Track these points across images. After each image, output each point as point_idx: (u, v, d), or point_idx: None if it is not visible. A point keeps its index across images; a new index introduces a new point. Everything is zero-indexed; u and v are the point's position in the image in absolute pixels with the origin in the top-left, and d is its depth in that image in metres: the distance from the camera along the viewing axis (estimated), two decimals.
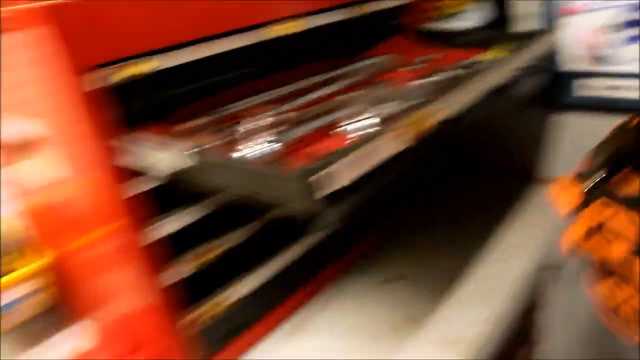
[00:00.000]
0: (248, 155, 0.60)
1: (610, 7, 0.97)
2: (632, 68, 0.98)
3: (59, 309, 0.91)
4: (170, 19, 0.66)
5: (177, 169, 0.59)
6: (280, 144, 0.61)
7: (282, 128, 0.67)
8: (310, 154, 0.57)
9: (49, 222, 0.82)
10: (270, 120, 0.68)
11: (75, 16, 0.57)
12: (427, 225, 1.09)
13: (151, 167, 0.62)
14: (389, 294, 0.90)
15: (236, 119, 0.77)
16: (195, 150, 0.58)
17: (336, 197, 0.50)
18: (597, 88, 1.04)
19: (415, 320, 0.83)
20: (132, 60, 0.62)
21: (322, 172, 0.48)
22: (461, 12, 1.17)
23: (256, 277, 0.81)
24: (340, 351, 0.79)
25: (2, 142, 0.78)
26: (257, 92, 0.84)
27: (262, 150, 0.60)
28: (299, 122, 0.69)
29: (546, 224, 1.06)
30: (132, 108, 0.66)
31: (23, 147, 0.77)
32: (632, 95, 1.00)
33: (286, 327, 0.86)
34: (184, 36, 0.67)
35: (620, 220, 0.53)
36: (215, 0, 0.70)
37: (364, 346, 0.79)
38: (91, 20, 0.58)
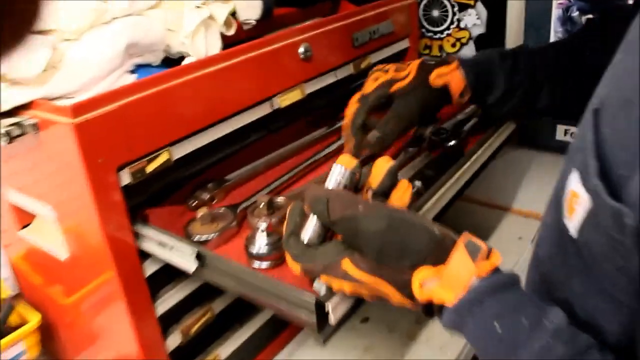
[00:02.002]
0: (253, 251, 0.65)
1: None
2: None
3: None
4: (180, 117, 0.70)
5: (185, 267, 0.65)
6: (279, 237, 0.66)
7: (279, 215, 0.72)
8: None
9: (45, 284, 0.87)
10: (267, 203, 0.72)
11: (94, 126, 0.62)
12: None
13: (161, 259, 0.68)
14: (355, 335, 0.98)
15: (234, 189, 0.83)
16: (200, 248, 0.64)
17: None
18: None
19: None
20: (146, 158, 0.67)
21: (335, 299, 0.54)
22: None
23: (242, 333, 0.88)
24: None
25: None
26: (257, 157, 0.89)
27: (264, 244, 0.65)
28: None
29: (516, 252, 1.15)
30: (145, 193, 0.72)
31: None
32: None
33: None
34: (194, 126, 0.72)
35: None
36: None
37: None
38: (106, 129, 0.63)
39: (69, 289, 0.81)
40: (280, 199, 0.75)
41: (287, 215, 0.55)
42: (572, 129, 1.10)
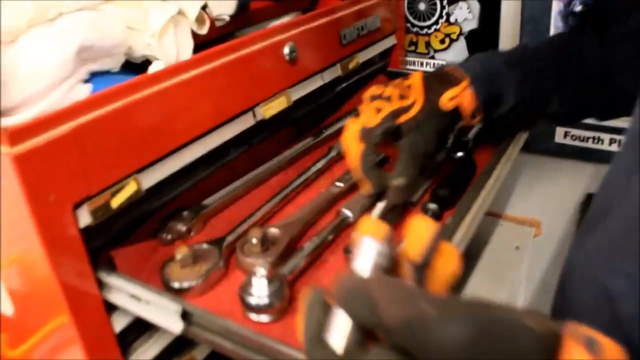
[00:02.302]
0: (252, 302, 0.53)
1: None
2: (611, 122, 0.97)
3: None
4: (149, 137, 0.57)
5: (167, 327, 0.52)
6: (280, 283, 0.54)
7: (276, 252, 0.60)
8: None
9: None
10: (260, 239, 0.60)
11: (41, 156, 0.48)
12: None
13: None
14: None
15: (213, 217, 0.70)
16: (185, 303, 0.52)
17: None
18: (578, 137, 1.02)
19: None
20: (110, 191, 0.54)
21: None
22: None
23: None
24: None
25: None
26: (235, 174, 0.76)
27: (264, 294, 0.53)
28: (294, 239, 0.63)
29: (514, 263, 1.07)
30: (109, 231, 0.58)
31: None
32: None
33: None
34: (167, 148, 0.59)
35: None
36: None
37: None
38: (56, 158, 0.49)
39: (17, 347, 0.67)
40: (273, 230, 0.63)
41: (303, 310, 0.38)
42: (573, 131, 1.02)
